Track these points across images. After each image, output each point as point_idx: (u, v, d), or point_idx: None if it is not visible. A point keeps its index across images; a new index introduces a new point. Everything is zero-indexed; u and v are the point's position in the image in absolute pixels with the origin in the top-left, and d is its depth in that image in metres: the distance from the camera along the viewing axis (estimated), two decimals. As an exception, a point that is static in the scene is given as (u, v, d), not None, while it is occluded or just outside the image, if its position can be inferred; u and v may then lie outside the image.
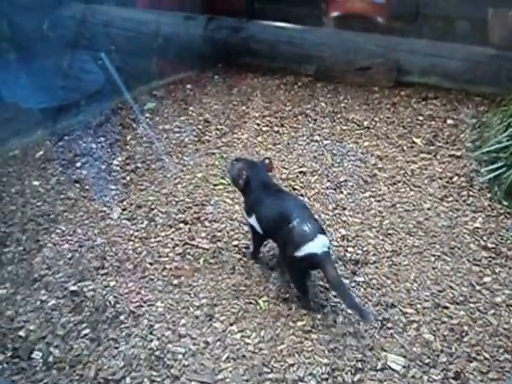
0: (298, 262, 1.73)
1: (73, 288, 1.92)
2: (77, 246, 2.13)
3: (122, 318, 1.80)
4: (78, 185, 2.54)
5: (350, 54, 3.41)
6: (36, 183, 2.55)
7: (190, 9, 3.86)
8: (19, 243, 2.15)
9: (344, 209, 2.28)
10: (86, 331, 1.75)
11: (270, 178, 2.01)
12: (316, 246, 1.70)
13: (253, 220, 1.90)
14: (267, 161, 2.01)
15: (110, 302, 1.85)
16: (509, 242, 2.02)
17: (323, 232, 1.77)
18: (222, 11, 3.82)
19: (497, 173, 2.25)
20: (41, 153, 2.83)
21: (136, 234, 2.20)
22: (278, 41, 3.58)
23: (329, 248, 1.73)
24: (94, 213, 2.33)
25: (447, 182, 2.37)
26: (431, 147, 2.65)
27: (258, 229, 1.89)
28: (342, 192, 2.39)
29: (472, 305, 1.78)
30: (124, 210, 2.35)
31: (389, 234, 2.12)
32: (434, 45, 3.27)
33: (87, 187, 2.53)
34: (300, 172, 2.56)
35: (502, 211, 2.17)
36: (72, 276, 1.98)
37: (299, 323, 1.77)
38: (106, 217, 2.31)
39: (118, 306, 1.84)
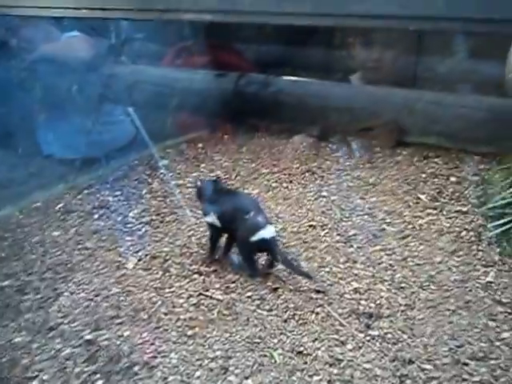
0: (252, 244, 2.07)
1: (88, 337, 1.81)
2: (93, 295, 2.04)
3: (135, 369, 1.68)
4: (95, 235, 2.49)
5: (353, 116, 3.44)
6: (56, 233, 2.50)
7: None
8: (37, 291, 2.08)
9: (355, 262, 2.20)
10: (100, 382, 1.64)
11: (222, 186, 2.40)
12: (266, 233, 2.06)
13: (211, 218, 2.18)
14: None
15: (124, 352, 1.74)
16: (523, 296, 1.92)
17: (270, 223, 2.17)
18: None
19: (504, 228, 2.19)
20: (61, 205, 2.81)
21: (151, 284, 2.11)
22: (306, 94, 3.54)
23: (275, 235, 2.12)
24: (110, 263, 2.26)
25: (456, 237, 2.30)
26: (436, 203, 2.59)
27: (218, 224, 2.17)
28: (352, 246, 2.32)
29: (493, 361, 1.65)
30: (139, 260, 2.28)
31: (401, 287, 2.02)
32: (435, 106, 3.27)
33: (104, 238, 2.47)
34: (310, 226, 2.49)
35: (513, 266, 2.08)
36: (87, 325, 1.88)
37: (315, 377, 1.65)
38: (122, 267, 2.23)
39: (132, 356, 1.72)
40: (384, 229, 2.42)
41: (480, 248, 2.21)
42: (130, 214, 2.70)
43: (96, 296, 2.04)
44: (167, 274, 2.17)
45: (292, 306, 1.95)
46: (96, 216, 2.69)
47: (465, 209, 2.52)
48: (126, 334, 1.84)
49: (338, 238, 2.38)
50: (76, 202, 2.86)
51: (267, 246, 2.08)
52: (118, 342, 1.79)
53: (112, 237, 2.49)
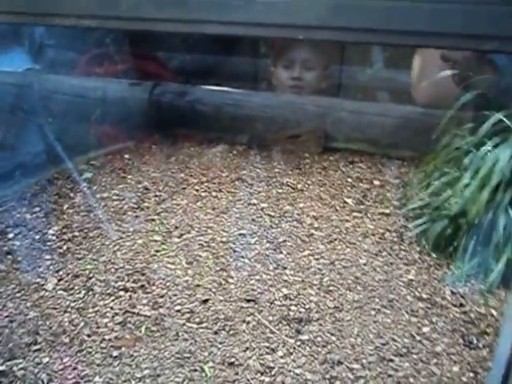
0: None
1: (0, 368, 1.69)
2: (6, 322, 1.91)
3: (55, 398, 1.59)
4: (9, 256, 2.34)
5: (279, 124, 3.51)
6: (-38, 257, 2.31)
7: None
8: None
9: (285, 268, 2.24)
10: (14, 417, 1.53)
11: None
12: None
13: None
14: None
15: (42, 381, 1.64)
16: (441, 291, 2.05)
17: None
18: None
19: (422, 227, 2.33)
20: (-31, 225, 2.61)
21: (73, 304, 2.02)
22: (225, 103, 3.51)
23: None
24: (26, 285, 2.13)
25: (380, 238, 2.42)
26: (362, 206, 2.71)
27: None
28: (281, 252, 2.36)
29: (415, 356, 1.75)
30: (60, 280, 2.17)
31: (329, 290, 2.09)
32: (357, 115, 3.44)
33: (20, 258, 2.33)
34: (240, 234, 2.51)
35: (431, 263, 2.22)
36: (0, 355, 1.75)
37: (247, 388, 1.65)
38: (40, 288, 2.11)
39: (51, 384, 1.63)
40: (312, 234, 2.49)
41: (402, 248, 2.35)
42: (50, 231, 2.56)
43: (10, 322, 1.91)
44: (90, 292, 2.09)
45: (222, 316, 1.95)
46: (11, 235, 2.52)
47: (387, 211, 2.66)
48: (44, 360, 1.74)
49: (267, 245, 2.41)
50: (-13, 221, 2.67)
51: None
52: (36, 371, 1.69)
53: (29, 257, 2.35)
